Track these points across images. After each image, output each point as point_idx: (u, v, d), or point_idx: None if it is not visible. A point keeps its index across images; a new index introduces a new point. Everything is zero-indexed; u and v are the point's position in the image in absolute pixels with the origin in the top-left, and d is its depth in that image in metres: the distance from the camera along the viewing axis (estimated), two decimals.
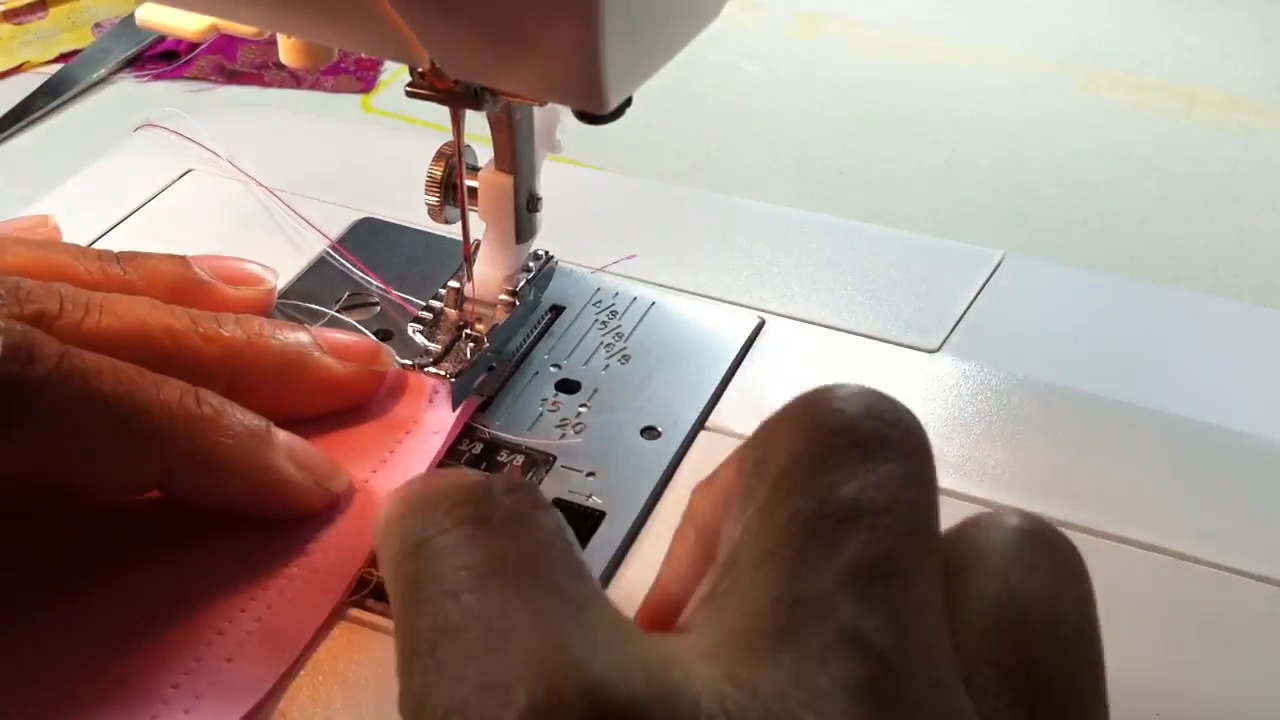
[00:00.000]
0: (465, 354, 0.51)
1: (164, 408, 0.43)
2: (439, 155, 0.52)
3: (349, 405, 0.51)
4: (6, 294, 0.43)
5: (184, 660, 0.42)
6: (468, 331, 0.52)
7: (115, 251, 0.51)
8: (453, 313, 0.53)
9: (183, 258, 0.52)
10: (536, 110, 0.50)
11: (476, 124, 0.50)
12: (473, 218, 0.52)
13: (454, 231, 0.53)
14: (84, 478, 0.43)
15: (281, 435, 0.46)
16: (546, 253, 0.55)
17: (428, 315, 0.53)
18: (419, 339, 0.52)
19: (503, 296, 0.53)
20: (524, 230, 0.53)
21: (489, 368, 0.52)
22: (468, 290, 0.53)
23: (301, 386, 0.49)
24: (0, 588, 0.44)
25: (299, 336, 0.49)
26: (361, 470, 0.49)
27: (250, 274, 0.54)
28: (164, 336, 0.46)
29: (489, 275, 0.53)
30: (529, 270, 0.54)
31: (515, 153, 0.51)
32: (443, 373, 0.51)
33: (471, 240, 0.53)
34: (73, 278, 0.48)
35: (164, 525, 0.46)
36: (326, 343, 0.50)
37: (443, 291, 0.53)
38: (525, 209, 0.52)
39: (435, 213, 0.52)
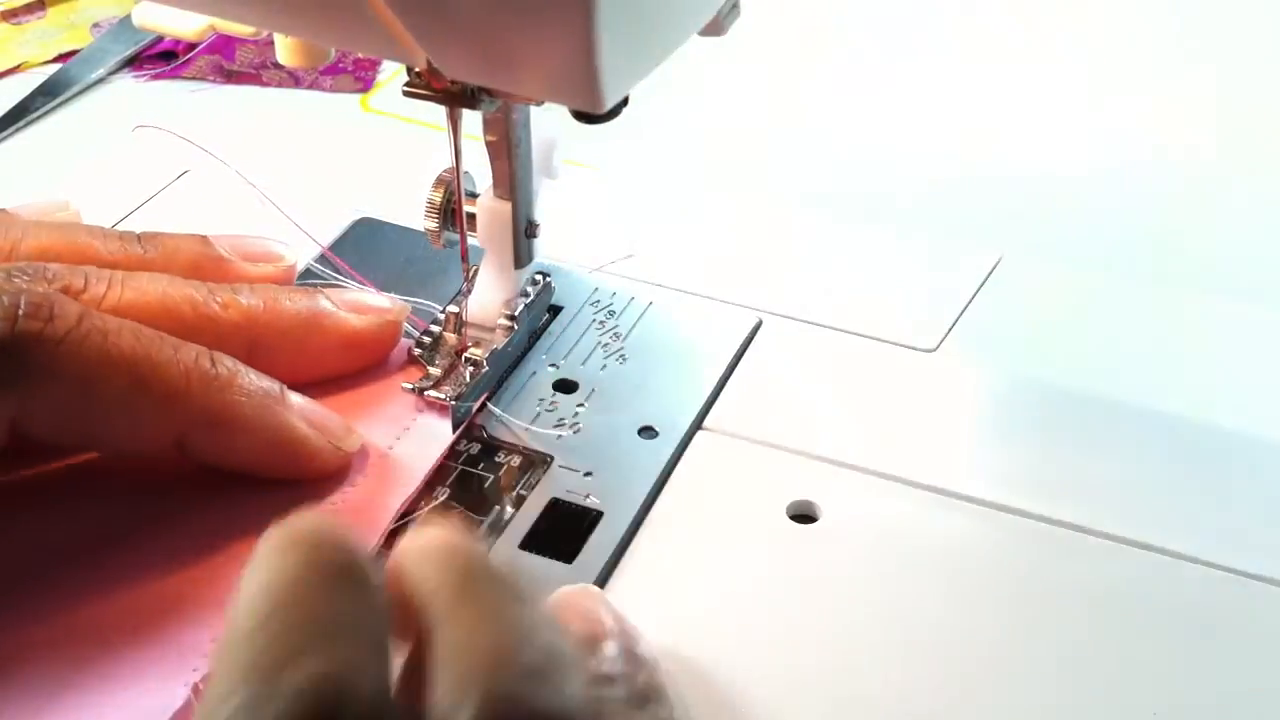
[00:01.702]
0: (465, 377, 0.51)
1: (179, 367, 0.44)
2: (439, 181, 0.52)
3: (368, 363, 0.52)
4: (33, 273, 0.45)
5: (221, 618, 0.43)
6: (467, 355, 0.52)
7: (136, 232, 0.52)
8: (451, 337, 0.53)
9: (203, 236, 0.53)
10: (535, 138, 0.51)
11: (475, 125, 0.50)
12: (471, 242, 0.52)
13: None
14: (104, 433, 0.45)
15: (295, 397, 0.48)
16: (545, 276, 0.55)
17: (427, 339, 0.53)
18: (420, 362, 0.52)
19: (501, 320, 0.53)
20: (522, 256, 0.53)
21: (488, 390, 0.53)
22: (466, 314, 0.53)
23: (320, 344, 0.51)
24: (37, 552, 0.45)
25: (315, 300, 0.51)
26: (351, 474, 0.49)
27: (270, 251, 0.55)
28: (184, 306, 0.48)
29: (488, 300, 0.53)
30: (527, 295, 0.54)
31: (514, 179, 0.51)
32: (443, 396, 0.51)
33: (470, 265, 0.53)
34: (95, 259, 0.49)
35: (194, 492, 0.47)
36: (341, 300, 0.52)
37: (442, 316, 0.53)
38: (524, 235, 0.52)
39: (434, 238, 0.52)
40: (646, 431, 0.51)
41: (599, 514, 0.48)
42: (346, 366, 0.52)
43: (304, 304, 0.51)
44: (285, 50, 0.52)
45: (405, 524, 0.48)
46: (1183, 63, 0.86)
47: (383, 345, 0.53)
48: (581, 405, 0.52)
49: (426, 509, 0.48)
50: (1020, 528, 0.48)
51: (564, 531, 0.48)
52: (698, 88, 0.82)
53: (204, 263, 0.52)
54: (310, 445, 0.47)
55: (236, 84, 0.80)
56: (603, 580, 0.46)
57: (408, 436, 0.50)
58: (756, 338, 0.56)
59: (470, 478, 0.50)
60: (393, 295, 0.54)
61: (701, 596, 0.46)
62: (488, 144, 0.50)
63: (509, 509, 0.48)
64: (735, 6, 0.47)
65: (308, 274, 0.59)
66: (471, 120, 0.49)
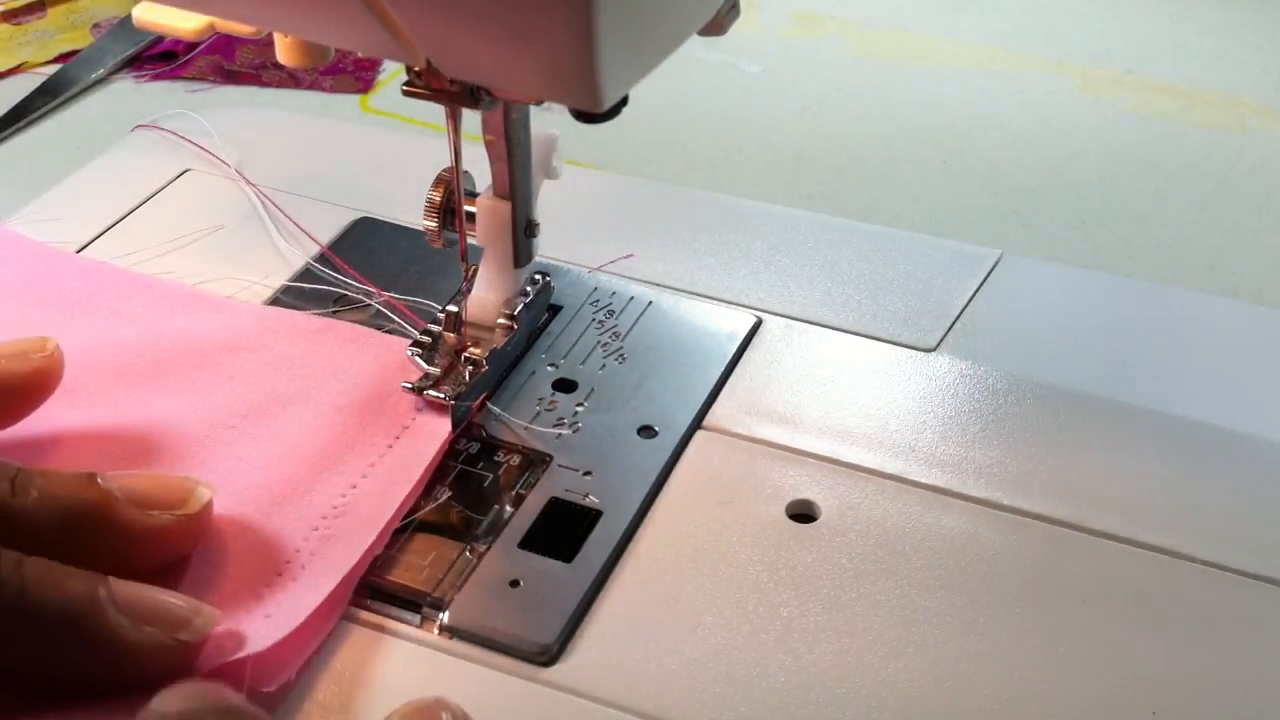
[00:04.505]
0: (464, 377, 0.51)
1: None
2: (438, 180, 0.52)
3: (141, 676, 0.41)
4: None
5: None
6: (466, 355, 0.52)
7: (12, 466, 0.43)
8: (451, 336, 0.53)
9: (90, 475, 0.44)
10: (534, 137, 0.51)
11: (475, 125, 0.50)
12: (471, 242, 0.52)
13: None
14: None
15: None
16: (544, 275, 0.55)
17: (426, 339, 0.53)
18: (419, 362, 0.52)
19: (501, 320, 0.53)
20: (522, 255, 0.53)
21: (487, 390, 0.53)
22: (466, 314, 0.53)
23: (82, 651, 0.40)
24: None
25: (94, 590, 0.41)
26: (351, 475, 0.49)
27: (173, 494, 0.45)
28: None
29: (487, 299, 0.53)
30: (526, 294, 0.54)
31: (513, 179, 0.51)
32: (442, 395, 0.51)
33: (470, 265, 0.53)
34: None
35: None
36: (125, 489, 0.43)
37: (441, 315, 0.53)
38: (523, 234, 0.52)
39: (434, 237, 0.52)
40: (646, 431, 0.51)
41: (598, 513, 0.48)
42: (114, 679, 0.41)
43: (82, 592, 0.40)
44: (285, 50, 0.52)
45: (408, 524, 0.48)
46: (1185, 64, 0.86)
47: (161, 666, 0.41)
48: (581, 405, 0.52)
49: (428, 509, 0.48)
50: (1020, 527, 0.48)
51: (563, 531, 0.48)
52: (699, 87, 0.82)
53: (86, 509, 0.43)
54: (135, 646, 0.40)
55: (236, 84, 0.80)
56: (601, 580, 0.46)
57: (407, 436, 0.50)
58: (756, 337, 0.56)
59: (470, 477, 0.50)
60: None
61: (701, 596, 0.46)
62: (487, 144, 0.50)
63: (508, 508, 0.48)
64: (735, 6, 0.47)
65: (308, 274, 0.59)
66: (471, 120, 0.49)
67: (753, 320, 0.57)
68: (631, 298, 0.58)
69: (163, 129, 0.68)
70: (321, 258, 0.59)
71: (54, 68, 0.81)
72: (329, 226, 0.61)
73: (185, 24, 0.53)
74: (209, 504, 0.45)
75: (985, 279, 0.59)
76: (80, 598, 0.40)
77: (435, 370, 0.52)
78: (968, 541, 0.48)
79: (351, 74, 0.81)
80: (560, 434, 0.51)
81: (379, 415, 0.51)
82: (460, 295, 0.53)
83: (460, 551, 0.47)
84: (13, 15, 0.87)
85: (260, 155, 0.66)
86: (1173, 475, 0.50)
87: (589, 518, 0.48)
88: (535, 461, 0.50)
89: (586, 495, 0.49)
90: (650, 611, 0.45)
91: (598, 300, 0.57)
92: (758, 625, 0.45)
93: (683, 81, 0.82)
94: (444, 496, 0.49)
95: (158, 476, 0.46)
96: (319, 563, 0.45)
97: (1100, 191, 0.75)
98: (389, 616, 0.45)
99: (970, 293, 0.58)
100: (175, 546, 0.45)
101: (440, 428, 0.50)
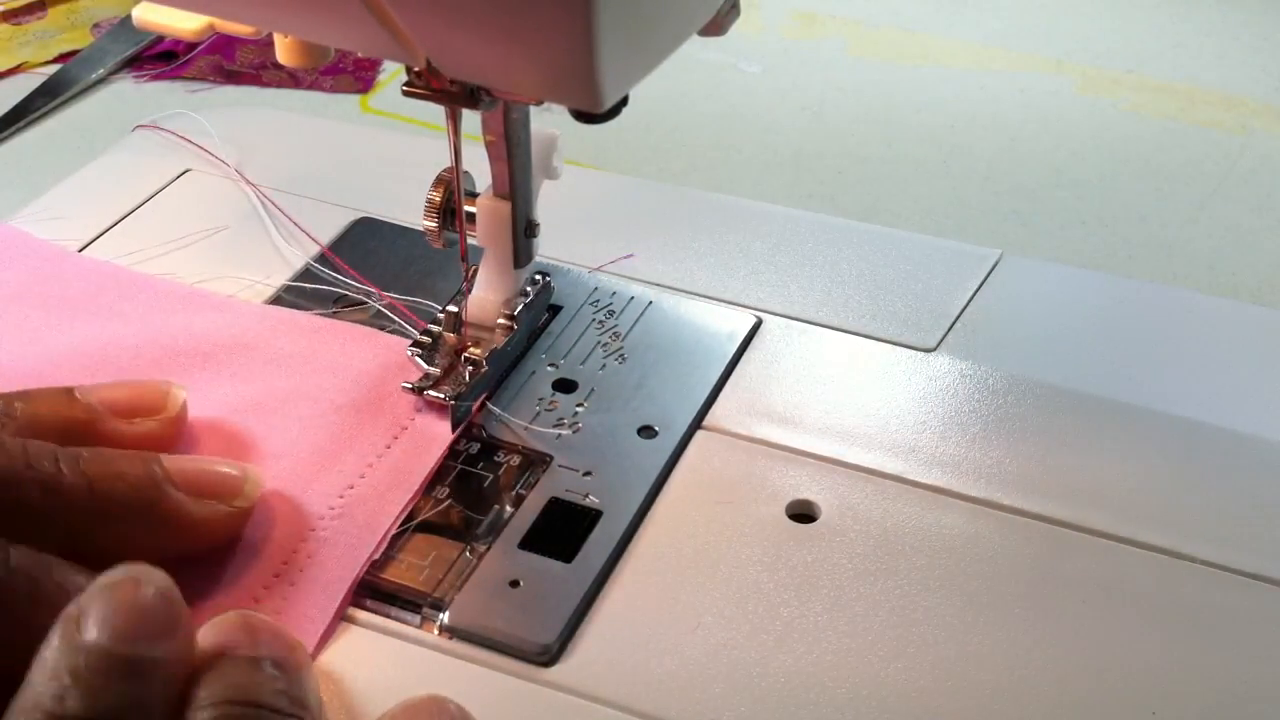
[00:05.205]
0: (464, 377, 0.51)
1: None
2: (438, 180, 0.52)
3: (210, 546, 0.45)
4: None
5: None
6: (466, 355, 0.52)
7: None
8: (451, 337, 0.53)
9: (68, 390, 0.47)
10: (534, 137, 0.51)
11: (475, 125, 0.50)
12: (471, 242, 0.52)
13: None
14: None
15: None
16: (544, 276, 0.55)
17: (426, 339, 0.53)
18: (419, 362, 0.52)
19: (501, 320, 0.53)
20: (522, 256, 0.53)
21: (487, 390, 0.53)
22: (466, 314, 0.53)
23: (151, 533, 0.44)
24: None
25: (150, 470, 0.44)
26: (349, 475, 0.49)
27: (150, 399, 0.48)
28: None
29: (487, 300, 0.53)
30: (526, 294, 0.54)
31: (513, 179, 0.51)
32: (442, 395, 0.51)
33: (470, 265, 0.53)
34: None
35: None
36: (180, 475, 0.44)
37: (441, 315, 0.53)
38: (523, 235, 0.52)
39: (434, 237, 0.52)
40: (646, 431, 0.51)
41: (598, 513, 0.48)
42: (183, 550, 0.44)
43: (137, 478, 0.43)
44: (285, 50, 0.52)
45: (407, 528, 0.48)
46: (1185, 64, 0.86)
47: (227, 532, 0.46)
48: (581, 405, 0.53)
49: (428, 511, 0.48)
50: (1020, 528, 0.48)
51: (563, 531, 0.48)
52: (699, 87, 0.82)
53: (71, 426, 0.45)
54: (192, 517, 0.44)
55: (236, 84, 0.80)
56: (601, 580, 0.46)
57: (406, 436, 0.50)
58: (756, 337, 0.56)
59: (470, 477, 0.50)
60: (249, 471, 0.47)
61: (701, 596, 0.46)
62: (487, 144, 0.50)
63: (508, 508, 0.48)
64: (735, 6, 0.47)
65: (308, 274, 0.59)
66: (471, 120, 0.49)
67: (753, 320, 0.57)
68: (631, 298, 0.58)
69: (163, 129, 0.68)
70: (321, 258, 0.59)
71: (54, 68, 0.81)
72: (329, 226, 0.61)
73: (185, 24, 0.53)
74: (184, 406, 0.48)
75: (985, 279, 0.59)
76: (143, 483, 0.43)
77: (435, 370, 0.52)
78: (968, 541, 0.48)
79: (351, 74, 0.81)
80: (560, 434, 0.51)
81: (378, 415, 0.51)
82: (460, 295, 0.53)
83: (460, 552, 0.47)
84: (13, 15, 0.87)
85: (260, 155, 0.66)
86: (1173, 475, 0.50)
87: (589, 518, 0.48)
88: (535, 461, 0.50)
89: (586, 495, 0.49)
90: (650, 611, 0.45)
91: (598, 300, 0.57)
92: (758, 625, 0.45)
93: (683, 81, 0.82)
94: (444, 498, 0.49)
95: (134, 384, 0.48)
96: (315, 570, 0.45)
97: (1100, 191, 0.75)
98: (389, 616, 0.45)
99: (970, 293, 0.58)
100: (157, 449, 0.46)
101: (440, 431, 0.50)
